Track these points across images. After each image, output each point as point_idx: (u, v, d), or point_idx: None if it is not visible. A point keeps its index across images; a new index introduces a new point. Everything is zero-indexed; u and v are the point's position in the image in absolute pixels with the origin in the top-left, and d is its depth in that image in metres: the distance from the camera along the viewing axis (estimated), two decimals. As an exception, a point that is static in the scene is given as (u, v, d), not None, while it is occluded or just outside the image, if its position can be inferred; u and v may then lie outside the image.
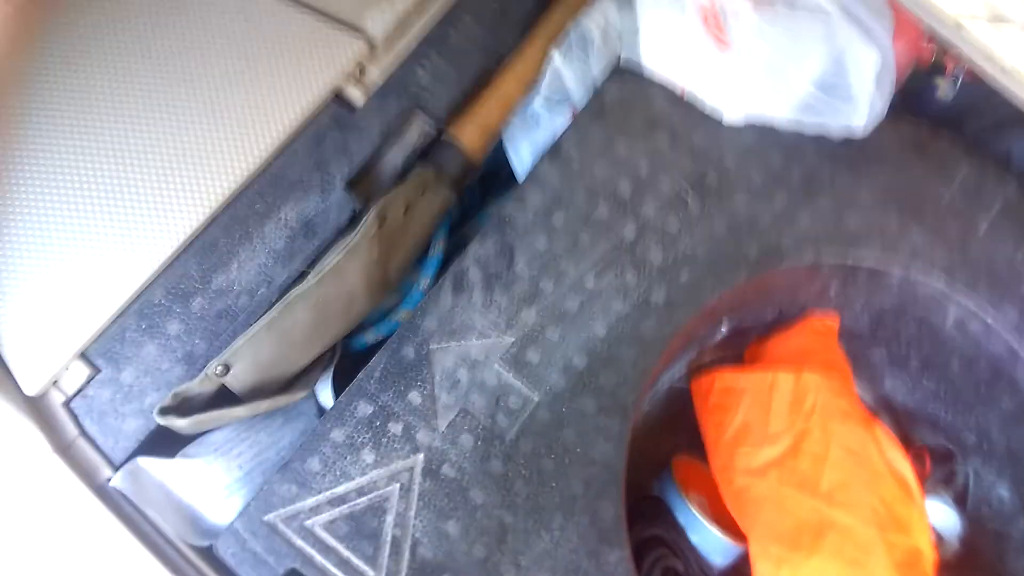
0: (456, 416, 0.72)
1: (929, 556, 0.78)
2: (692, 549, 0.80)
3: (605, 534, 0.71)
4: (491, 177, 0.93)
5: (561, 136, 0.82)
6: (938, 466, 0.95)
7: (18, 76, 0.73)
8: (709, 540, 0.81)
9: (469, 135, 0.84)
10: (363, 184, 0.80)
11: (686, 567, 0.79)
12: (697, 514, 0.81)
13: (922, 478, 0.90)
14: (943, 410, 0.98)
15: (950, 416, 0.97)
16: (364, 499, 0.68)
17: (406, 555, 0.67)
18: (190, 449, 0.69)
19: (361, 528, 0.67)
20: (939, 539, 0.89)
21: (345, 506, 0.68)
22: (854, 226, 0.84)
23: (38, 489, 0.65)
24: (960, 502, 0.94)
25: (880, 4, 0.80)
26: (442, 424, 0.72)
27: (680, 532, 0.81)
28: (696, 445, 0.88)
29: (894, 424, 0.97)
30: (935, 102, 0.93)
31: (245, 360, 0.67)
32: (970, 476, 0.93)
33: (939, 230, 0.85)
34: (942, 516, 0.91)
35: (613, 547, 0.71)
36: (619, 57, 0.86)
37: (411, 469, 0.70)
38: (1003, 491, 0.92)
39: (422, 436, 0.71)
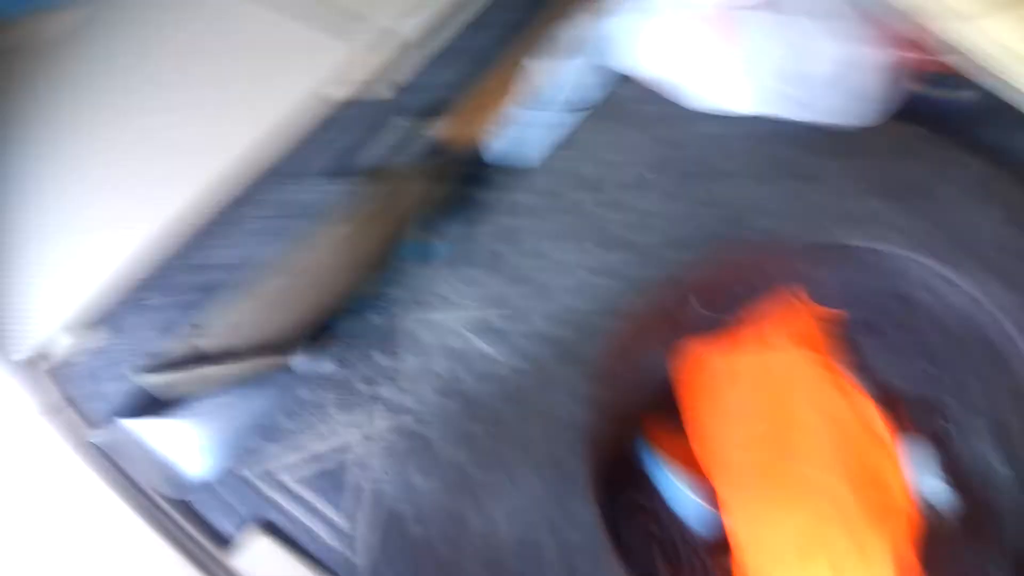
0: (425, 377, 0.75)
1: (907, 513, 0.77)
2: (673, 516, 0.80)
3: (573, 488, 0.73)
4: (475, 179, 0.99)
5: (541, 131, 0.87)
6: (931, 440, 0.93)
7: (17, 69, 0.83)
8: (689, 507, 0.81)
9: (451, 135, 0.90)
10: (346, 176, 0.86)
11: (666, 532, 0.79)
12: (677, 482, 0.81)
13: (913, 451, 0.88)
14: (934, 388, 0.96)
15: (941, 394, 0.95)
16: (333, 453, 0.71)
17: (372, 503, 0.69)
18: (169, 412, 0.73)
19: (330, 479, 0.70)
20: (931, 510, 0.86)
21: (314, 459, 0.71)
22: (834, 209, 0.86)
23: (25, 448, 0.69)
24: (953, 475, 0.90)
25: (859, 15, 0.83)
26: (410, 385, 0.75)
27: (660, 500, 0.81)
28: (677, 420, 0.89)
29: (885, 404, 0.96)
30: (939, 107, 0.95)
31: (218, 321, 0.72)
32: (964, 450, 0.90)
33: (920, 211, 0.86)
34: (933, 487, 0.89)
35: (582, 501, 0.72)
36: (604, 59, 0.90)
37: (379, 425, 0.73)
38: (998, 465, 0.90)
39: (391, 395, 0.74)
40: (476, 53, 0.92)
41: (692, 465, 0.83)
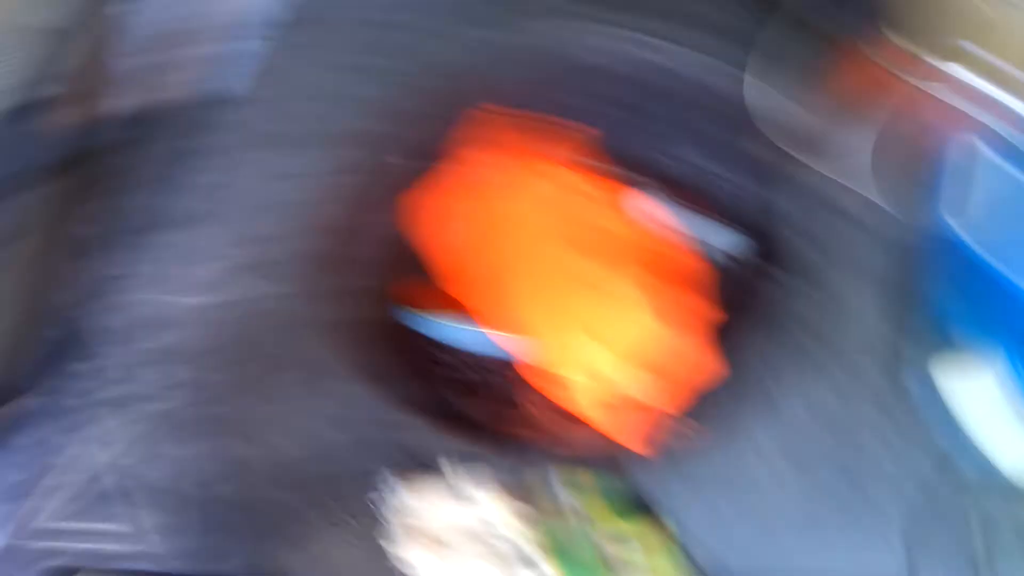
0: (151, 358, 0.71)
1: (690, 267, 0.81)
2: (459, 358, 0.80)
3: (352, 380, 0.72)
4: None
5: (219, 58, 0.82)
6: (698, 198, 0.93)
7: None
8: (472, 340, 0.81)
9: (76, 112, 0.82)
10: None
11: (459, 373, 0.79)
12: (451, 323, 0.81)
13: (676, 210, 0.90)
14: (669, 149, 0.94)
15: (672, 150, 0.91)
16: (86, 476, 0.67)
17: (146, 496, 0.66)
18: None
19: (94, 500, 0.66)
20: (725, 257, 0.87)
21: (71, 491, 0.66)
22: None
23: None
24: (731, 219, 0.89)
25: None
26: (136, 373, 0.70)
27: (449, 350, 0.80)
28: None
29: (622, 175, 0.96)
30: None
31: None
32: (706, 190, 0.88)
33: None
34: (718, 237, 0.89)
35: (365, 388, 0.71)
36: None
37: (117, 426, 0.68)
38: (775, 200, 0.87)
39: (117, 393, 0.69)
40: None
41: (457, 306, 0.81)
